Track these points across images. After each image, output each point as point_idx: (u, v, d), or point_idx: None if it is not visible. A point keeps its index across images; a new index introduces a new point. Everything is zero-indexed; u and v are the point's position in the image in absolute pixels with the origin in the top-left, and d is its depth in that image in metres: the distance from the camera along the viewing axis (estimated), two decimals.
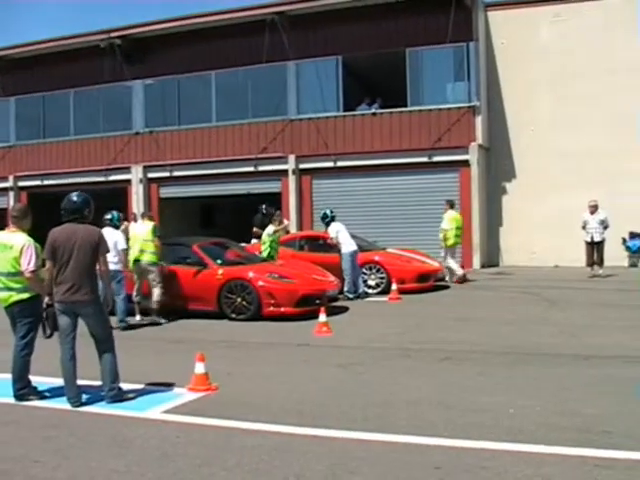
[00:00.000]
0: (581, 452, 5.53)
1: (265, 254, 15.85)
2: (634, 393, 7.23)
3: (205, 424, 6.63)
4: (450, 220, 19.20)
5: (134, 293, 13.69)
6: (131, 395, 7.63)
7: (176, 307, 13.87)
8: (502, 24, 24.44)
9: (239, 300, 13.39)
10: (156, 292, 13.55)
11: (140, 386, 8.04)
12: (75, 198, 7.58)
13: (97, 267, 7.54)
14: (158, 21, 26.18)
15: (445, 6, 22.33)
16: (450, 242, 18.99)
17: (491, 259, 24.11)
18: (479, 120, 23.32)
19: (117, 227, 13.27)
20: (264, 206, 20.11)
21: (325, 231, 17.30)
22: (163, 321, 13.43)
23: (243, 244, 17.81)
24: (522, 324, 12.37)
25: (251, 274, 13.58)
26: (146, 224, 14.13)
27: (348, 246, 16.47)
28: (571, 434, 5.98)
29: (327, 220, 17.04)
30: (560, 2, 23.99)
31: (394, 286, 15.94)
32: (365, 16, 23.74)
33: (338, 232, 16.63)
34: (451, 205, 19.62)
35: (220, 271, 13.72)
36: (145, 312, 13.80)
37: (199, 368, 7.76)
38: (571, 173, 22.98)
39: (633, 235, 22.90)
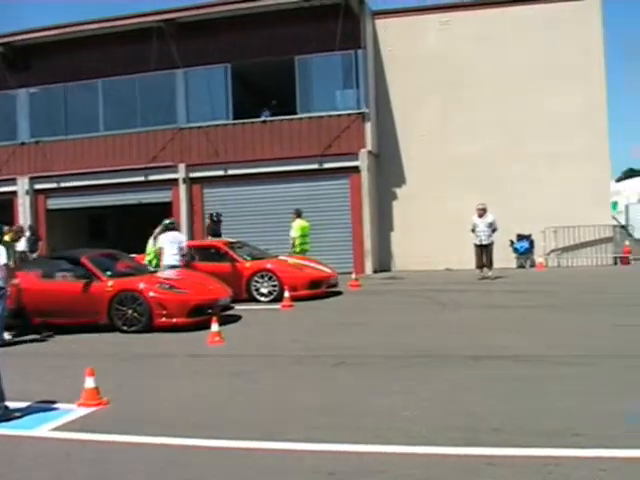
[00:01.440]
0: (471, 451, 5.70)
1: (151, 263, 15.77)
2: (525, 391, 7.49)
3: (96, 440, 6.51)
4: (297, 229, 19.52)
5: None
6: (18, 414, 7.39)
7: (65, 321, 13.54)
8: (390, 32, 24.87)
9: (130, 312, 13.18)
10: None
11: (27, 404, 7.81)
12: None
13: None
14: (42, 28, 25.64)
15: (333, 14, 22.63)
16: (297, 249, 19.30)
17: (383, 264, 24.46)
18: (368, 127, 23.68)
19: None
20: (215, 213, 20.12)
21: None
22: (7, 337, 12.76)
23: (133, 255, 17.57)
24: (414, 327, 12.62)
25: (142, 285, 13.40)
26: None
27: (168, 259, 15.85)
28: (462, 434, 6.14)
29: (161, 229, 16.59)
30: (447, 10, 24.63)
31: (286, 293, 15.98)
32: (254, 24, 23.81)
33: (164, 243, 16.03)
34: (298, 214, 19.84)
35: (110, 283, 13.49)
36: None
37: (89, 382, 7.62)
38: (460, 177, 23.57)
39: (520, 237, 23.65)
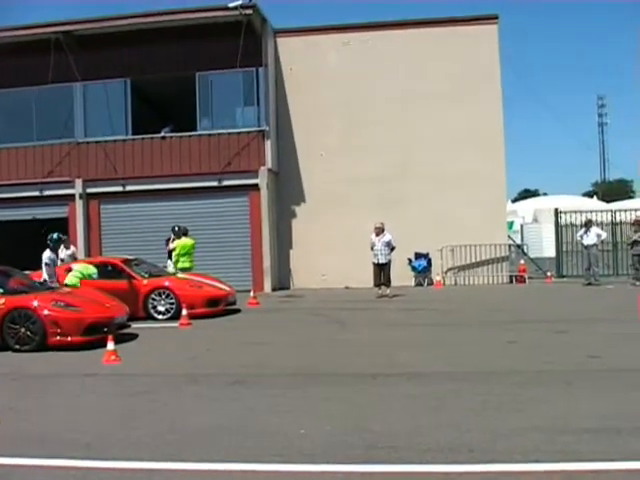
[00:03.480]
0: (367, 468, 5.78)
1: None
2: (422, 408, 7.63)
3: None
4: (178, 246, 19.51)
5: None
6: None
7: None
8: (292, 50, 25.10)
9: (23, 330, 12.80)
10: None
11: None
12: None
13: None
14: None
15: (235, 31, 22.67)
16: (179, 265, 19.32)
17: (282, 282, 24.54)
18: (268, 144, 23.79)
19: None
20: (176, 226, 19.76)
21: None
22: None
23: (28, 272, 17.14)
24: (312, 345, 12.70)
25: (35, 303, 13.06)
26: None
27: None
28: (359, 451, 6.22)
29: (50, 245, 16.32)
30: (348, 31, 24.99)
31: (184, 311, 15.88)
32: (155, 39, 23.64)
33: (46, 260, 15.90)
34: (181, 234, 19.76)
35: (2, 300, 13.12)
36: None
37: None
38: (359, 196, 23.93)
39: (418, 255, 24.08)
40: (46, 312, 12.86)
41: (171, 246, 19.65)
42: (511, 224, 32.45)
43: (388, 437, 6.61)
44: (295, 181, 24.98)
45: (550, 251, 27.75)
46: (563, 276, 25.19)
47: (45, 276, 15.70)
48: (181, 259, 19.39)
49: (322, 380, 9.49)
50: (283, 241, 24.75)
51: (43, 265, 15.93)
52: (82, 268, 15.95)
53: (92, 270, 16.06)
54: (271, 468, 5.89)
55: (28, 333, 12.80)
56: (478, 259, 24.16)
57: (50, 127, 24.94)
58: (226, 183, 23.62)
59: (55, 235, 16.48)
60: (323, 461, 5.98)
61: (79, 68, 23.83)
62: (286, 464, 5.95)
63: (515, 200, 55.32)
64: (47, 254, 15.97)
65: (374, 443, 6.44)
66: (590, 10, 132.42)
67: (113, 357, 11.29)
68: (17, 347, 12.80)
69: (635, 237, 22.39)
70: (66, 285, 15.15)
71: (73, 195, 24.33)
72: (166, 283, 17.34)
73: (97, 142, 24.44)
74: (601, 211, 26.98)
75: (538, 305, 18.20)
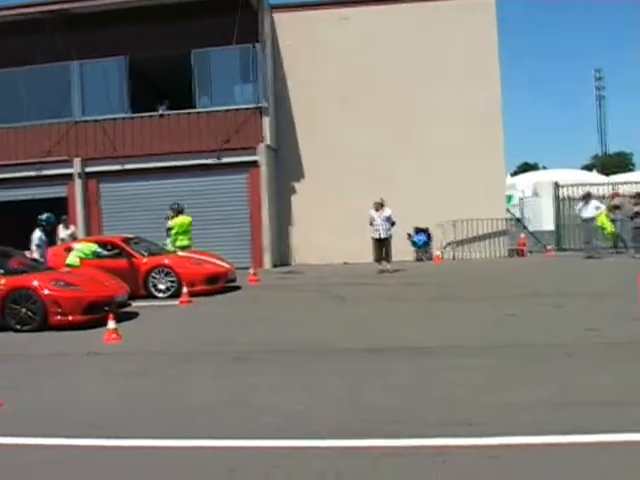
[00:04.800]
0: (366, 443, 5.81)
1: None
2: (423, 382, 7.66)
3: None
4: (176, 225, 19.55)
5: None
6: None
7: None
8: (289, 26, 24.98)
9: (24, 310, 12.84)
10: None
11: None
12: None
13: None
14: None
15: (231, 7, 22.49)
16: (177, 244, 19.35)
17: (282, 259, 24.57)
18: (267, 121, 23.72)
19: None
20: (175, 203, 19.82)
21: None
22: None
23: (27, 252, 17.15)
24: (313, 321, 12.73)
25: (36, 283, 13.08)
26: None
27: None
28: (362, 425, 6.25)
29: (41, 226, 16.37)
30: (345, 5, 24.89)
31: (184, 289, 15.91)
32: (151, 16, 23.46)
33: (37, 241, 16.04)
34: (178, 212, 19.80)
35: (2, 281, 13.13)
36: None
37: None
38: (358, 172, 23.88)
39: (418, 230, 24.14)
40: (46, 292, 12.88)
41: (169, 224, 19.64)
42: (510, 198, 32.41)
43: (388, 412, 6.64)
44: (294, 157, 24.94)
45: (549, 224, 27.74)
46: (564, 249, 25.18)
47: (36, 256, 15.69)
48: (179, 237, 19.39)
49: (322, 355, 9.52)
50: (283, 217, 24.75)
51: (34, 246, 15.93)
52: (83, 247, 15.97)
53: (93, 247, 16.09)
54: (272, 444, 5.91)
55: (29, 313, 12.84)
56: (477, 233, 24.16)
57: (48, 107, 24.86)
58: (225, 160, 23.58)
59: (45, 216, 16.43)
60: (323, 436, 6.00)
61: (76, 47, 23.65)
62: (286, 439, 5.97)
63: (514, 174, 55.23)
64: (37, 234, 15.96)
65: (377, 418, 6.47)
66: None
67: (114, 336, 11.31)
68: (18, 327, 12.83)
69: (636, 209, 22.42)
70: (67, 265, 15.18)
71: (72, 174, 24.29)
72: (166, 261, 17.36)
73: (95, 121, 24.36)
74: (600, 184, 26.95)
75: (538, 279, 18.19)
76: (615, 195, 24.74)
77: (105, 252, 16.60)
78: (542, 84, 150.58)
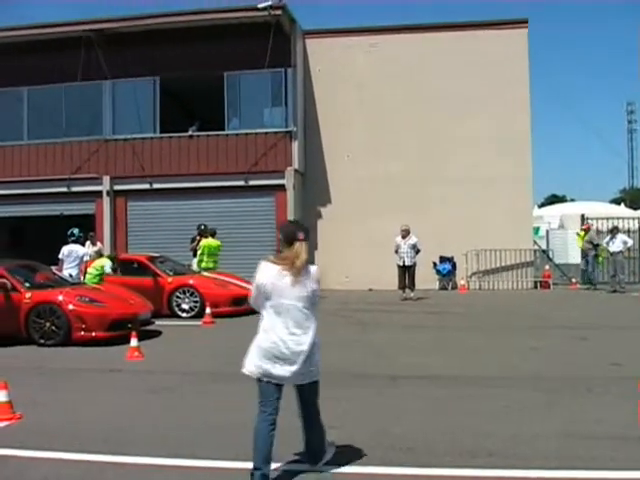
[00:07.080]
0: (385, 470, 5.80)
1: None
2: (439, 411, 7.61)
3: (7, 455, 6.40)
4: (202, 246, 19.61)
5: None
6: None
7: None
8: (319, 51, 25.09)
9: (48, 325, 12.95)
10: None
11: None
12: None
13: None
14: None
15: (264, 32, 22.64)
16: (202, 265, 19.37)
17: None
18: (295, 145, 23.79)
19: None
20: (202, 224, 20.07)
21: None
22: None
23: (54, 267, 17.28)
24: (334, 346, 12.64)
25: (61, 297, 13.20)
26: None
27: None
28: (377, 453, 6.22)
29: (72, 239, 16.39)
30: (375, 33, 25.00)
31: (208, 310, 15.96)
32: (184, 38, 23.68)
33: (65, 255, 16.09)
34: (211, 234, 19.94)
35: (28, 294, 13.25)
36: None
37: (1, 396, 7.48)
38: (384, 198, 23.86)
39: (443, 259, 24.02)
40: (71, 307, 12.99)
41: (197, 245, 19.72)
42: (537, 229, 32.21)
43: (407, 440, 6.61)
44: (321, 182, 24.98)
45: (575, 258, 27.52)
46: (590, 282, 24.96)
47: (64, 272, 15.77)
48: (205, 259, 19.44)
49: (342, 381, 9.45)
50: (308, 242, 24.63)
51: (64, 260, 16.02)
52: (95, 264, 16.07)
53: (104, 261, 16.18)
54: (287, 468, 5.92)
55: (53, 328, 12.95)
56: (503, 264, 24.03)
57: (79, 124, 25.12)
58: (252, 183, 23.64)
59: (76, 230, 16.53)
60: (341, 463, 5.97)
61: (108, 66, 23.91)
62: (302, 464, 5.97)
63: (542, 205, 54.92)
64: (67, 249, 16.05)
65: (393, 445, 6.43)
66: (619, 13, 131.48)
67: (136, 353, 11.38)
68: (42, 341, 12.95)
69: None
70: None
71: (100, 192, 24.44)
72: (190, 281, 17.43)
73: (125, 140, 24.55)
74: (628, 218, 26.75)
75: (562, 311, 18.05)
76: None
77: (110, 270, 16.55)
78: (572, 116, 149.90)
